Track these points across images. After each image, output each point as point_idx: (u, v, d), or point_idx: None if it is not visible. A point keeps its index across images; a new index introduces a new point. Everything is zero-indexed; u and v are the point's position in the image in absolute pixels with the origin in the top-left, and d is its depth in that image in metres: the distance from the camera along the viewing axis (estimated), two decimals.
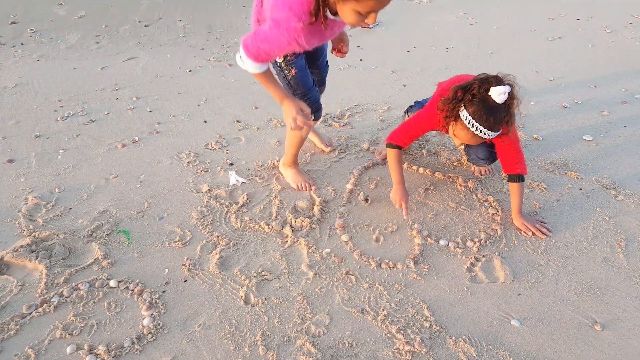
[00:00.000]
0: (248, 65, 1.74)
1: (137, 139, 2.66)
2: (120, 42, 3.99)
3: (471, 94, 1.85)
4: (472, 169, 2.54)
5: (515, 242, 2.11)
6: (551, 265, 2.00)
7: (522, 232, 2.12)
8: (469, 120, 1.86)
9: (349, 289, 1.85)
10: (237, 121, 2.88)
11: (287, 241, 2.04)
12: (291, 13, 1.52)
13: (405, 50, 4.13)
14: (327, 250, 2.01)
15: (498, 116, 1.84)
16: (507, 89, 1.81)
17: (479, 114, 1.84)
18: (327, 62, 2.30)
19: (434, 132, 2.71)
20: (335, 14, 1.58)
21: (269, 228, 2.09)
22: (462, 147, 2.48)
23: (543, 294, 1.88)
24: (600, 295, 1.88)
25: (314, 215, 2.18)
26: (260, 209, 2.21)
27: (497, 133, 1.92)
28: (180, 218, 2.14)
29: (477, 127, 1.86)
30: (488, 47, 4.24)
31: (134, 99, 3.11)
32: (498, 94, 1.80)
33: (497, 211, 2.26)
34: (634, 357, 1.65)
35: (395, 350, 1.63)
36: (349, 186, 2.37)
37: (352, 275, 1.90)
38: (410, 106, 2.46)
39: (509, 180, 2.16)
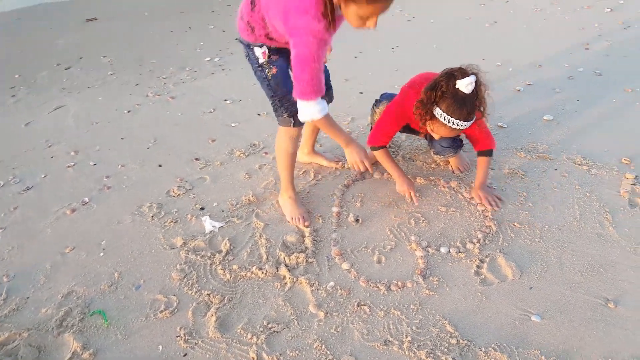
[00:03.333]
0: (315, 110, 1.83)
1: (86, 199, 2.48)
2: (42, 91, 3.73)
3: (440, 91, 1.95)
4: (450, 166, 2.61)
5: (512, 235, 2.18)
6: (551, 251, 2.09)
7: (477, 203, 2.32)
8: (444, 117, 1.96)
9: (365, 322, 1.82)
10: (196, 159, 2.78)
11: (286, 283, 1.99)
12: (309, 17, 1.61)
13: (352, 56, 4.18)
14: (332, 283, 1.97)
15: (470, 106, 1.95)
16: (472, 78, 1.91)
17: (452, 109, 1.95)
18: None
19: (404, 136, 2.76)
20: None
21: (262, 273, 2.02)
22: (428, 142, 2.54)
23: (552, 282, 1.95)
24: (603, 272, 1.99)
25: (307, 249, 2.14)
26: (248, 253, 2.14)
27: (472, 121, 2.02)
28: (159, 282, 2.01)
29: (452, 122, 1.96)
30: (432, 42, 4.39)
31: (72, 153, 2.92)
32: (465, 85, 1.91)
33: (486, 207, 2.32)
34: None
35: None
36: (335, 209, 2.35)
37: (364, 305, 1.88)
38: (377, 100, 2.49)
39: (479, 155, 2.32)
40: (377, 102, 2.44)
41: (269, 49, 1.97)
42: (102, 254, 2.16)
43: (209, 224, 2.28)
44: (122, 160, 2.78)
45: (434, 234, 2.21)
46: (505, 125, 2.97)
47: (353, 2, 1.60)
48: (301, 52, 1.69)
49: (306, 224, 2.24)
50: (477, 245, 2.12)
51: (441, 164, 2.66)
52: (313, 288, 1.95)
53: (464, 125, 1.98)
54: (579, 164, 2.60)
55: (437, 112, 1.97)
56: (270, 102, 2.08)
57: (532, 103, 3.23)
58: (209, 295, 1.94)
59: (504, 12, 4.99)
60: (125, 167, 2.72)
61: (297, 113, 1.95)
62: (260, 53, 1.97)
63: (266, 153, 2.81)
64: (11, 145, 3.06)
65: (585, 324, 1.79)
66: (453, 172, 2.59)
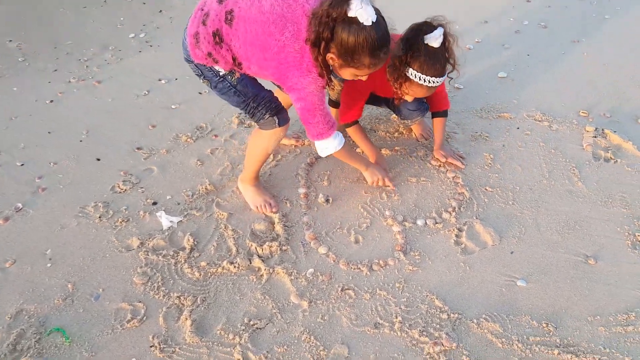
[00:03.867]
0: (333, 145, 1.89)
1: (20, 205, 2.24)
2: None
3: (411, 51, 1.87)
4: (413, 134, 2.59)
5: (486, 199, 2.20)
6: (526, 212, 2.13)
7: (440, 163, 2.37)
8: (419, 77, 1.90)
9: (352, 306, 1.78)
10: (138, 148, 2.58)
11: (262, 275, 1.90)
12: (314, 75, 1.68)
13: None
14: (311, 270, 1.91)
15: (443, 60, 1.91)
16: (440, 31, 1.85)
17: (425, 67, 1.88)
18: None
19: None
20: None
21: (234, 267, 1.92)
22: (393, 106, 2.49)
23: (532, 244, 1.99)
24: (579, 228, 2.05)
25: (278, 236, 2.05)
26: (214, 247, 2.02)
27: (445, 76, 1.97)
28: (120, 289, 1.86)
29: (427, 80, 1.91)
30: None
31: None
32: (435, 39, 1.85)
33: (455, 173, 2.33)
34: (630, 279, 1.83)
35: (427, 356, 1.61)
36: (302, 190, 2.27)
37: (348, 289, 1.83)
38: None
39: (434, 117, 2.34)
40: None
41: None
42: (49, 265, 1.96)
43: (165, 220, 2.12)
44: (54, 157, 2.52)
45: (408, 207, 2.18)
46: (462, 87, 2.98)
47: (353, 67, 1.66)
48: (307, 105, 1.74)
49: (274, 210, 2.14)
50: (453, 214, 2.13)
51: (404, 132, 2.63)
52: (292, 277, 1.88)
53: (439, 81, 1.92)
54: (539, 121, 2.66)
55: (411, 72, 1.90)
56: (244, 109, 1.92)
57: (484, 61, 3.25)
58: (179, 297, 1.81)
59: None
60: (58, 164, 2.48)
61: (278, 110, 1.90)
62: (220, 67, 1.81)
63: (216, 136, 2.66)
64: None
65: (570, 284, 1.84)
66: (417, 139, 2.57)
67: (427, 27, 1.86)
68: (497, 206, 2.17)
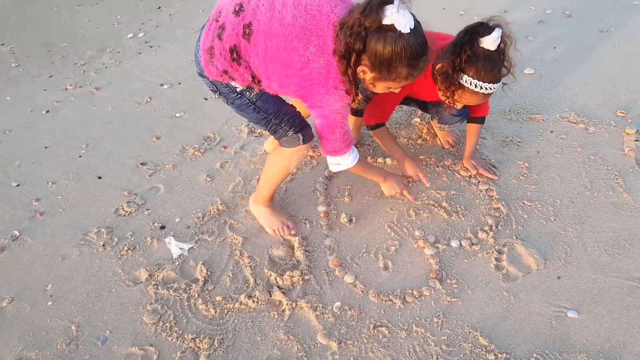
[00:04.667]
0: (348, 161, 1.75)
1: (17, 233, 2.05)
2: None
3: (465, 55, 1.69)
4: (438, 141, 2.39)
5: (525, 216, 2.01)
6: (570, 230, 1.94)
7: (470, 173, 2.18)
8: (475, 84, 1.73)
9: (386, 347, 1.60)
10: (142, 164, 2.38)
11: (284, 310, 1.71)
12: (341, 92, 1.51)
13: None
14: (338, 303, 1.72)
15: (499, 65, 1.73)
16: (498, 32, 1.66)
17: (482, 73, 1.71)
18: None
19: None
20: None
21: (253, 302, 1.74)
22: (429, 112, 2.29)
23: (579, 268, 1.81)
24: (630, 247, 1.87)
25: (299, 263, 1.87)
26: (230, 277, 1.83)
27: (501, 81, 1.78)
28: (130, 331, 1.68)
29: (484, 87, 1.73)
30: None
31: None
32: (493, 42, 1.67)
33: (488, 185, 2.13)
34: None
35: None
36: (321, 208, 2.08)
37: (381, 327, 1.65)
38: None
39: (469, 122, 2.16)
40: None
41: None
42: (50, 303, 1.78)
43: (175, 247, 1.94)
44: (52, 176, 2.33)
45: (439, 226, 1.99)
46: None
47: (388, 80, 1.50)
48: (329, 122, 1.60)
49: (292, 232, 1.96)
50: (491, 233, 1.94)
51: (428, 138, 2.43)
52: (317, 312, 1.70)
53: (495, 87, 1.74)
54: (574, 123, 2.46)
55: (466, 79, 1.72)
56: (266, 126, 1.74)
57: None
58: (194, 339, 1.64)
59: None
60: (56, 184, 2.29)
61: (302, 126, 1.73)
62: (237, 83, 1.63)
63: (225, 147, 2.46)
64: None
65: (626, 313, 1.66)
66: (443, 147, 2.37)
67: (483, 28, 1.67)
68: (537, 223, 1.98)
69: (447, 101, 1.83)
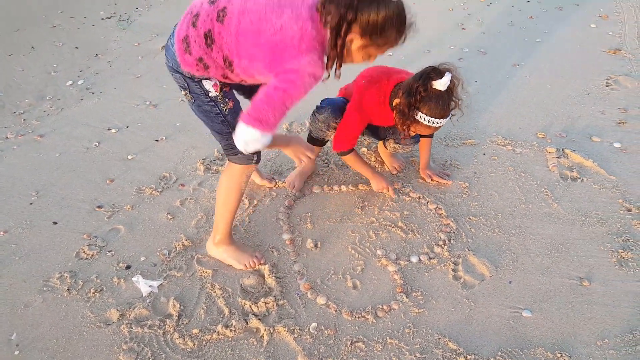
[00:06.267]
0: (262, 142, 1.57)
1: None
2: None
3: (419, 95, 1.90)
4: (386, 167, 2.53)
5: (472, 229, 2.16)
6: (513, 240, 2.11)
7: (427, 181, 2.40)
8: (427, 119, 1.94)
9: None
10: (98, 207, 2.32)
11: (262, 337, 1.72)
12: (315, 55, 1.49)
13: None
14: (314, 324, 1.76)
15: (448, 103, 1.95)
16: (448, 77, 1.88)
17: (433, 111, 1.93)
18: None
19: (329, 143, 2.57)
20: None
21: (231, 331, 1.73)
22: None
23: (527, 272, 1.97)
24: (566, 250, 2.06)
25: (272, 290, 1.89)
26: (204, 310, 1.81)
27: (450, 116, 2.00)
28: None
29: (435, 122, 1.95)
30: None
31: None
32: (443, 84, 1.88)
33: (437, 204, 2.28)
34: (625, 297, 1.84)
35: None
36: (286, 236, 2.12)
37: (357, 342, 1.70)
38: (319, 106, 2.26)
39: (422, 137, 2.34)
40: (319, 109, 2.23)
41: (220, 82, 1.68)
42: (17, 352, 1.66)
43: (144, 285, 1.90)
44: (3, 225, 2.20)
45: (398, 244, 2.10)
46: None
47: (375, 45, 1.54)
48: (289, 90, 1.49)
49: (262, 261, 1.98)
50: (445, 247, 2.07)
51: (376, 165, 2.56)
52: (295, 335, 1.72)
53: (445, 121, 1.97)
54: (502, 145, 2.70)
55: (420, 116, 1.94)
56: (226, 140, 1.75)
57: None
58: None
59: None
60: (9, 232, 2.16)
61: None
62: (211, 86, 1.66)
63: (182, 185, 2.46)
64: None
65: (571, 308, 1.82)
66: (390, 172, 2.51)
67: (435, 72, 1.89)
68: (484, 235, 2.13)
69: (405, 132, 2.01)
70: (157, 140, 2.83)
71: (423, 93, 1.89)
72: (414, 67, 2.08)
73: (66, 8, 5.04)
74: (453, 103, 1.96)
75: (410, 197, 2.35)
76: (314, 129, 2.23)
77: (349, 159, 2.24)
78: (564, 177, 2.45)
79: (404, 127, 1.99)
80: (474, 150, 2.67)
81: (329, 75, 1.57)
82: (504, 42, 3.91)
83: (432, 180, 2.38)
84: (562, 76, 3.37)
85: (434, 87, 1.88)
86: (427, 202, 2.30)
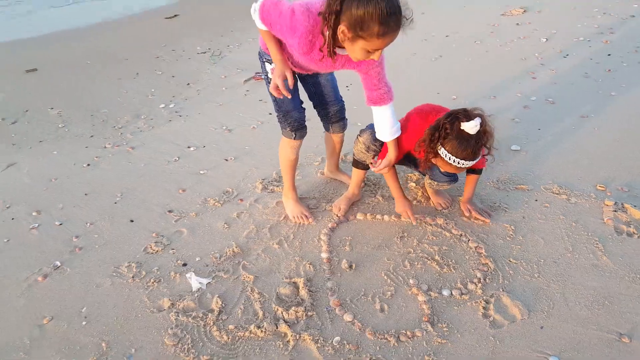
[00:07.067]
0: (257, 20, 1.88)
1: (58, 263, 2.24)
2: None
3: (444, 132, 1.98)
4: (431, 202, 2.57)
5: (510, 272, 2.14)
6: (552, 286, 2.06)
7: (465, 214, 2.44)
8: (449, 157, 2.00)
9: None
10: (169, 211, 2.59)
11: (288, 341, 1.83)
12: (309, 25, 1.73)
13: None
14: (337, 338, 1.84)
15: (474, 146, 1.98)
16: (477, 121, 1.94)
17: (456, 150, 1.98)
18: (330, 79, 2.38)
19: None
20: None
21: (262, 332, 1.86)
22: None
23: (561, 320, 1.91)
24: (609, 305, 1.97)
25: (303, 301, 2.00)
26: (242, 310, 1.97)
27: (477, 159, 2.04)
28: (153, 350, 1.81)
29: (456, 161, 2.00)
30: None
31: (34, 214, 2.64)
32: (472, 127, 1.94)
33: (478, 243, 2.29)
34: None
35: None
36: (324, 255, 2.24)
37: None
38: (362, 129, 2.39)
39: (469, 173, 2.39)
40: (361, 132, 2.38)
41: None
42: (84, 323, 1.93)
43: (195, 282, 2.09)
44: (90, 218, 2.54)
45: (432, 276, 2.13)
46: None
47: (361, 38, 1.63)
48: (290, 16, 1.77)
49: (309, 220, 2.40)
50: (479, 285, 2.07)
51: (422, 200, 2.62)
52: (318, 345, 1.81)
53: (469, 163, 2.01)
54: (557, 194, 2.64)
55: (442, 151, 2.01)
56: (277, 112, 2.20)
57: (496, 134, 3.27)
58: None
59: (446, 46, 5.17)
60: (94, 225, 2.49)
61: (299, 128, 2.20)
62: (269, 69, 2.06)
63: (241, 200, 2.67)
64: None
65: None
66: (435, 208, 2.55)
67: (464, 115, 1.97)
68: (522, 278, 2.11)
69: (427, 161, 2.09)
70: (226, 160, 3.10)
71: (448, 130, 1.96)
72: None
73: (169, 42, 5.66)
74: (486, 148, 2.00)
75: (451, 233, 2.38)
76: (356, 151, 2.37)
77: (388, 174, 2.35)
78: (619, 231, 2.35)
79: (425, 156, 2.07)
80: (525, 196, 2.65)
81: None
82: (575, 93, 3.83)
83: (470, 214, 2.41)
84: (631, 132, 3.23)
85: (462, 128, 1.95)
86: (468, 240, 2.32)
